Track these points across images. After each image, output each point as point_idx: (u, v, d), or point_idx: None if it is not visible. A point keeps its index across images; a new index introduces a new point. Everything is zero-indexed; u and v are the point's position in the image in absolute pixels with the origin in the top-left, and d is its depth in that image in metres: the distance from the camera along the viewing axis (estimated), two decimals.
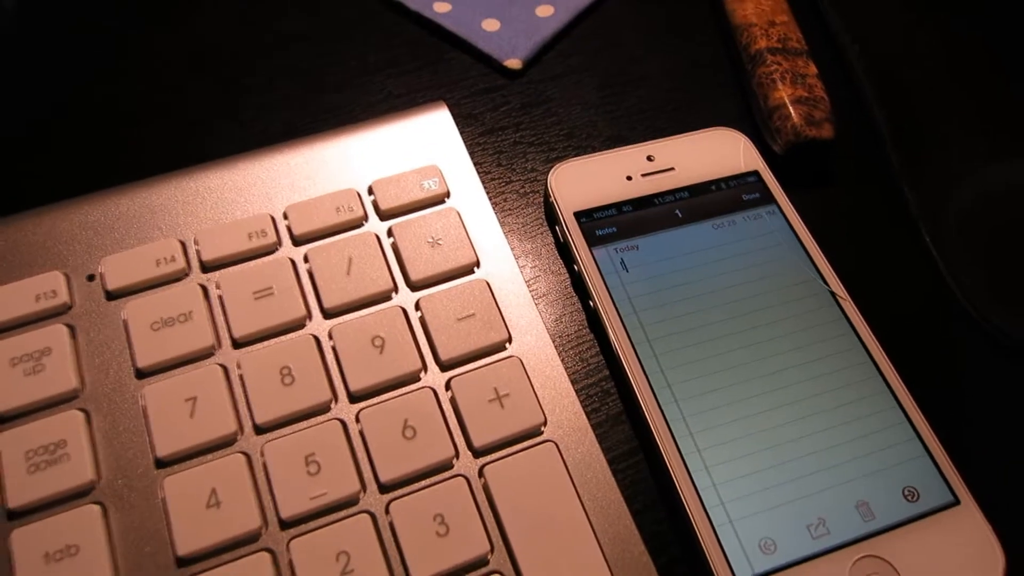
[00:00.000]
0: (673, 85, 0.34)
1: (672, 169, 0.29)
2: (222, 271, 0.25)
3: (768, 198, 0.29)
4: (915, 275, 0.29)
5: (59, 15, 0.34)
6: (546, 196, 0.29)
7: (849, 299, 0.26)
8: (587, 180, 0.29)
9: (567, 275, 0.28)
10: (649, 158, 0.29)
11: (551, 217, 0.29)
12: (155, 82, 0.32)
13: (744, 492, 0.23)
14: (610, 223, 0.28)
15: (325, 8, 0.35)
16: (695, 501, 0.23)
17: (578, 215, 0.28)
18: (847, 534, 0.22)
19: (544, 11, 0.35)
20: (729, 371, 0.25)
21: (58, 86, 0.32)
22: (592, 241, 0.27)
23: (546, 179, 0.29)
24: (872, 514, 0.23)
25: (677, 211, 0.28)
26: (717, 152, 0.30)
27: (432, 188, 0.27)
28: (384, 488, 0.23)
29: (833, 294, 0.27)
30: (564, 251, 0.28)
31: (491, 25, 0.34)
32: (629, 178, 0.29)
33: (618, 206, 0.28)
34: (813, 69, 0.31)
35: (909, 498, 0.23)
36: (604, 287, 0.26)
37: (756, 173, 0.29)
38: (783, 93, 0.30)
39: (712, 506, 0.23)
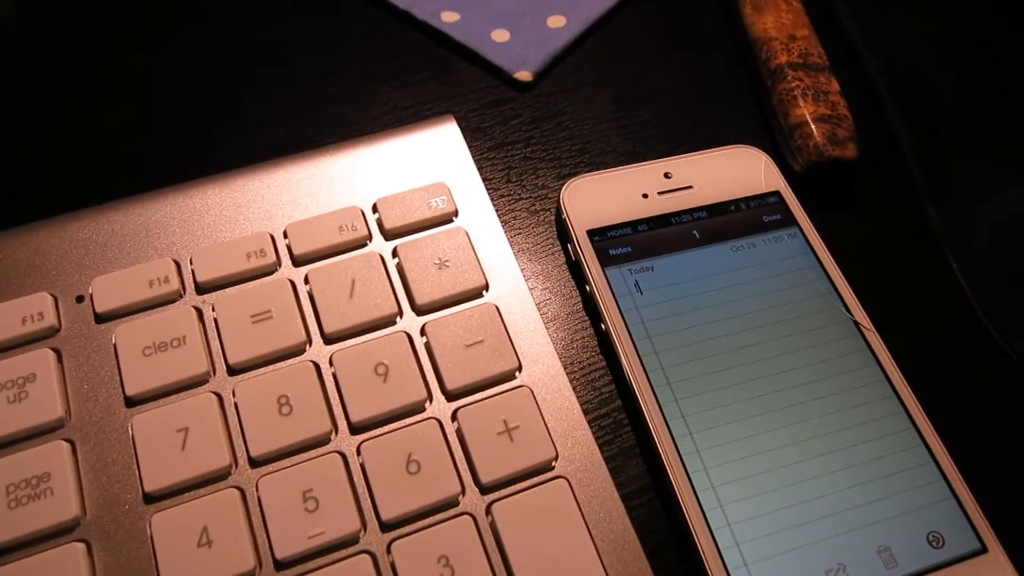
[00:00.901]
0: (688, 99, 0.32)
1: (690, 187, 0.28)
2: (218, 293, 0.24)
3: (790, 220, 0.27)
4: (939, 298, 0.28)
5: (56, 25, 0.33)
6: (558, 213, 0.28)
7: (873, 329, 0.25)
8: (601, 197, 0.27)
9: (579, 297, 0.27)
10: (666, 175, 0.28)
11: (563, 235, 0.28)
12: (153, 92, 0.31)
13: (760, 533, 0.22)
14: (625, 242, 0.27)
15: (328, 16, 0.34)
16: (708, 542, 0.21)
17: (591, 233, 0.26)
18: None
19: (556, 22, 0.34)
20: (746, 402, 0.24)
21: (52, 98, 0.31)
22: (605, 261, 0.26)
23: (558, 195, 0.27)
24: (895, 561, 0.21)
25: (695, 231, 0.27)
26: (737, 170, 0.28)
27: (439, 207, 0.26)
28: (386, 527, 0.21)
29: (857, 323, 0.25)
30: (576, 271, 0.27)
31: (501, 36, 0.33)
32: (645, 196, 0.28)
33: (633, 225, 0.27)
34: (836, 85, 0.30)
35: (934, 544, 0.22)
36: (617, 309, 0.25)
37: (777, 193, 0.28)
38: (804, 110, 0.29)
39: (726, 547, 0.21)
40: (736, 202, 0.28)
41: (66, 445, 0.22)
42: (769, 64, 0.31)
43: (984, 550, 0.22)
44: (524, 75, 0.32)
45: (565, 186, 0.27)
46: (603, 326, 0.25)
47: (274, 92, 0.31)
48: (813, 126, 0.29)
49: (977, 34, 0.35)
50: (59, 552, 0.20)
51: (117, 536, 0.21)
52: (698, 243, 0.27)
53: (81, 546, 0.20)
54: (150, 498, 0.21)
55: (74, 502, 0.21)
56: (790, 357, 0.25)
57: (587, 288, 0.26)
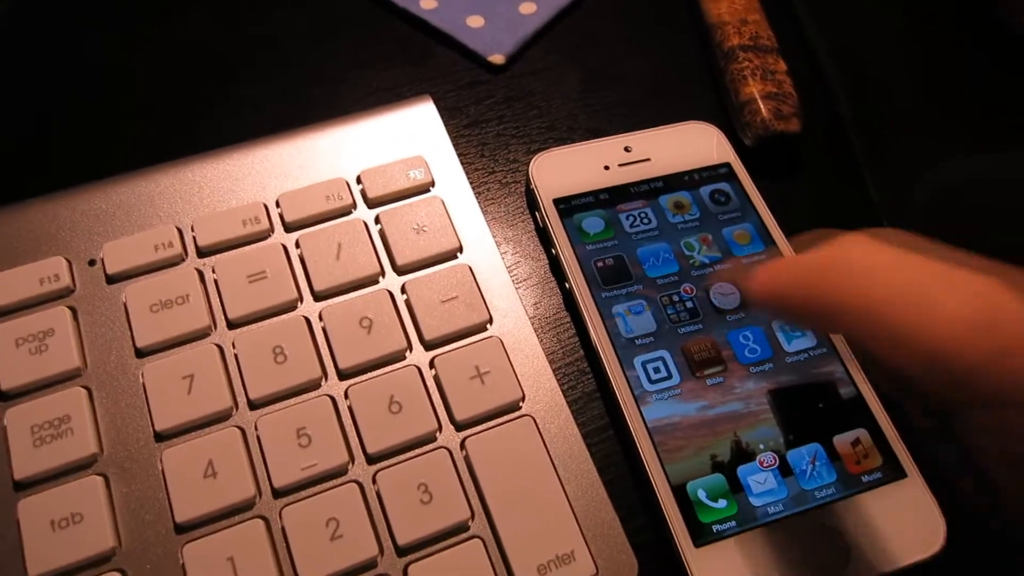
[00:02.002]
0: (652, 81, 0.35)
1: (648, 160, 0.30)
2: (217, 256, 0.27)
3: (738, 188, 0.30)
4: None
5: (57, 9, 0.35)
6: (527, 183, 0.30)
7: None
8: (567, 169, 0.30)
9: (546, 261, 0.30)
10: (626, 149, 0.31)
11: (531, 203, 0.30)
12: (151, 77, 0.34)
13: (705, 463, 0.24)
14: (587, 208, 0.29)
15: (315, 5, 0.36)
16: (659, 472, 0.24)
17: (557, 201, 0.29)
18: (798, 503, 0.24)
19: (527, 8, 0.36)
20: None
21: (59, 82, 0.33)
22: (569, 226, 0.29)
23: (527, 168, 0.30)
24: (824, 484, 0.24)
25: (651, 199, 0.30)
26: (692, 144, 0.31)
27: (418, 178, 0.29)
28: (371, 459, 0.24)
29: None
30: (543, 236, 0.30)
31: (475, 22, 0.35)
32: (607, 168, 0.30)
33: (595, 194, 0.29)
34: (783, 65, 0.33)
35: (859, 471, 0.24)
36: (580, 270, 0.28)
37: (728, 164, 0.31)
38: (753, 88, 0.32)
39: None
40: (690, 172, 0.30)
41: (83, 391, 0.24)
42: (723, 46, 0.34)
43: (904, 475, 0.25)
44: (497, 58, 0.35)
45: (533, 159, 0.30)
46: (567, 285, 0.28)
47: (266, 76, 0.34)
48: (761, 103, 0.31)
49: (919, 16, 0.37)
50: (80, 484, 0.23)
51: (132, 470, 0.23)
52: (653, 209, 0.29)
53: (99, 479, 0.23)
54: (160, 436, 0.24)
55: (92, 440, 0.23)
56: (735, 309, 0.27)
57: (553, 251, 0.29)
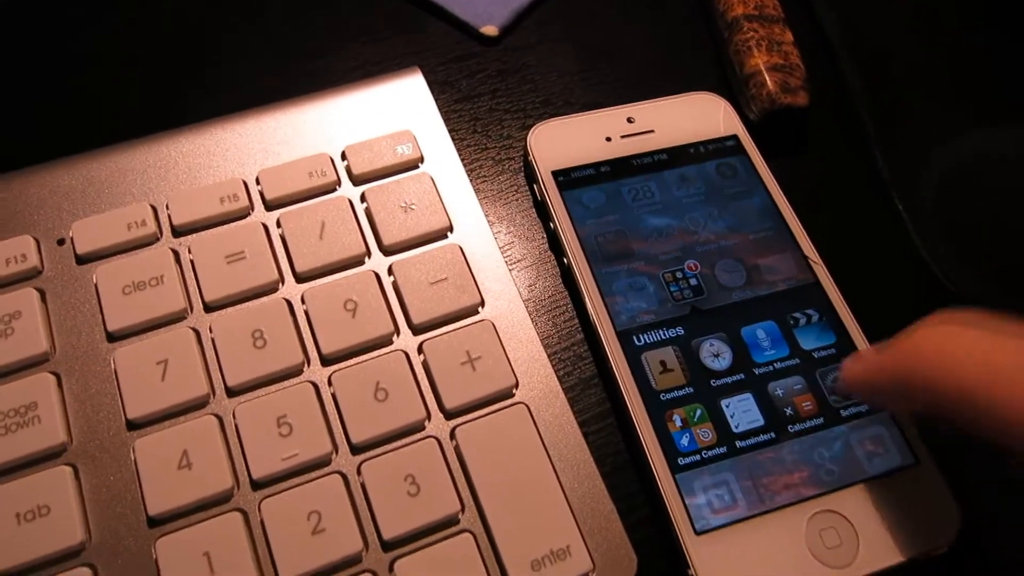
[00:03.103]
0: (651, 53, 0.33)
1: (652, 131, 0.29)
2: (194, 235, 0.25)
3: (746, 161, 0.29)
4: (887, 241, 0.29)
5: None
6: (525, 155, 0.29)
7: (820, 262, 0.27)
8: (566, 140, 0.29)
9: (542, 240, 0.28)
10: (629, 120, 0.29)
11: (529, 176, 0.29)
12: (128, 47, 0.32)
13: (708, 452, 0.23)
14: (587, 181, 0.28)
15: None
16: (662, 462, 0.23)
17: (556, 174, 0.28)
18: (806, 490, 0.23)
19: None
20: None
21: (32, 54, 0.32)
22: (569, 199, 0.27)
23: (525, 138, 0.29)
24: (833, 471, 0.23)
25: (655, 171, 0.28)
26: (697, 115, 0.30)
27: (405, 153, 0.27)
28: (356, 449, 0.23)
29: (805, 257, 0.27)
30: (541, 210, 0.28)
31: None
32: (608, 139, 0.29)
33: (596, 166, 0.28)
34: (789, 36, 0.31)
35: (871, 456, 0.23)
36: (579, 245, 0.26)
37: (735, 137, 0.29)
38: (759, 60, 0.30)
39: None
40: (695, 145, 0.29)
41: (52, 377, 0.23)
42: (726, 16, 0.32)
43: (917, 462, 0.23)
44: (490, 30, 0.33)
45: (532, 130, 0.29)
46: (565, 261, 0.27)
47: (248, 47, 0.32)
48: (766, 75, 0.30)
49: None
50: (47, 474, 0.22)
51: (103, 460, 0.22)
52: (657, 183, 0.28)
53: (68, 469, 0.22)
54: (133, 425, 0.22)
55: (60, 429, 0.22)
56: (741, 287, 0.26)
57: (551, 226, 0.27)
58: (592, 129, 0.29)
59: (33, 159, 0.26)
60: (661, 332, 0.25)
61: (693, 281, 0.26)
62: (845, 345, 0.25)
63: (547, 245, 0.28)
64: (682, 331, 0.25)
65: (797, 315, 0.26)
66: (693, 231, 0.27)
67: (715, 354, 0.25)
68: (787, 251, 0.27)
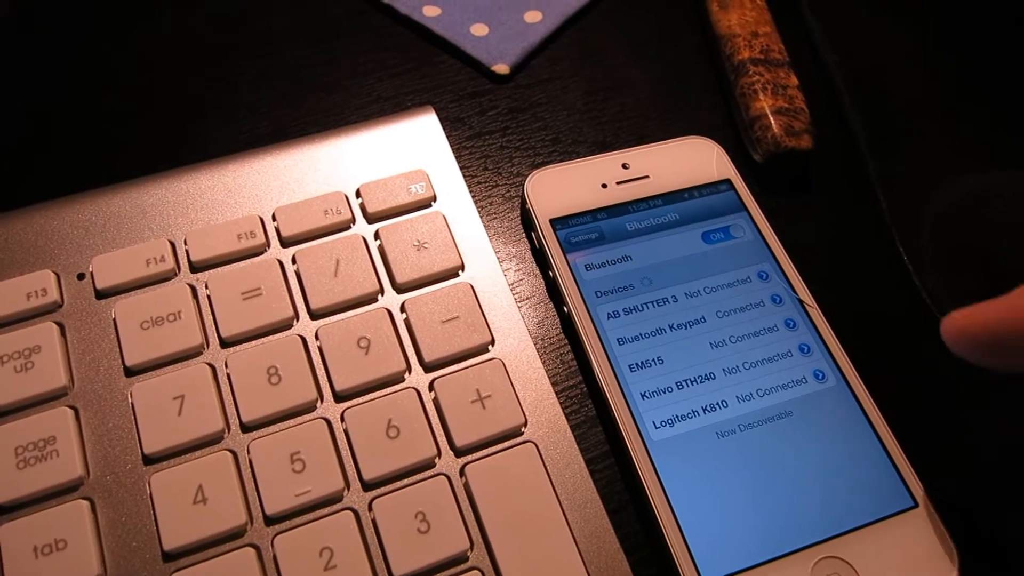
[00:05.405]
0: (658, 92, 0.34)
1: (647, 177, 0.30)
2: (211, 271, 0.26)
3: (739, 205, 0.29)
4: (887, 281, 0.30)
5: (48, 16, 0.34)
6: (523, 203, 0.29)
7: (815, 306, 0.27)
8: (563, 187, 0.29)
9: None
10: (624, 166, 0.30)
11: (527, 224, 0.29)
12: (144, 82, 0.33)
13: (711, 495, 0.24)
14: (585, 230, 0.28)
15: (314, 9, 0.36)
16: (663, 503, 0.23)
17: (554, 222, 0.28)
18: (809, 536, 0.23)
19: (532, 17, 0.35)
20: (696, 379, 0.26)
21: (49, 87, 0.32)
22: (567, 248, 0.28)
23: (522, 186, 0.29)
24: (834, 516, 0.23)
25: (650, 218, 0.29)
26: (691, 160, 0.30)
27: (419, 192, 0.28)
28: (367, 486, 0.23)
29: (800, 301, 0.27)
30: (540, 257, 0.29)
31: (480, 30, 0.35)
32: (604, 185, 0.29)
33: (593, 213, 0.29)
34: (794, 80, 0.32)
35: (867, 501, 0.24)
36: (578, 293, 0.27)
37: (728, 181, 0.30)
38: (764, 103, 0.31)
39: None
40: (689, 190, 0.30)
41: (70, 411, 0.23)
42: (733, 59, 0.33)
43: (915, 505, 0.24)
44: (501, 68, 0.34)
45: (528, 178, 0.29)
46: (565, 309, 0.27)
47: (263, 82, 0.33)
48: (771, 118, 0.31)
49: (932, 30, 0.37)
50: (64, 508, 0.22)
51: (119, 494, 0.22)
52: (653, 229, 0.29)
53: (85, 503, 0.22)
54: (149, 460, 0.23)
55: (78, 463, 0.23)
56: (739, 336, 0.26)
57: (550, 274, 0.28)
58: (588, 175, 0.29)
59: (52, 193, 0.27)
60: None
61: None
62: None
63: (547, 290, 0.29)
64: None
65: None
66: (687, 279, 0.27)
67: None
68: (782, 295, 0.27)
